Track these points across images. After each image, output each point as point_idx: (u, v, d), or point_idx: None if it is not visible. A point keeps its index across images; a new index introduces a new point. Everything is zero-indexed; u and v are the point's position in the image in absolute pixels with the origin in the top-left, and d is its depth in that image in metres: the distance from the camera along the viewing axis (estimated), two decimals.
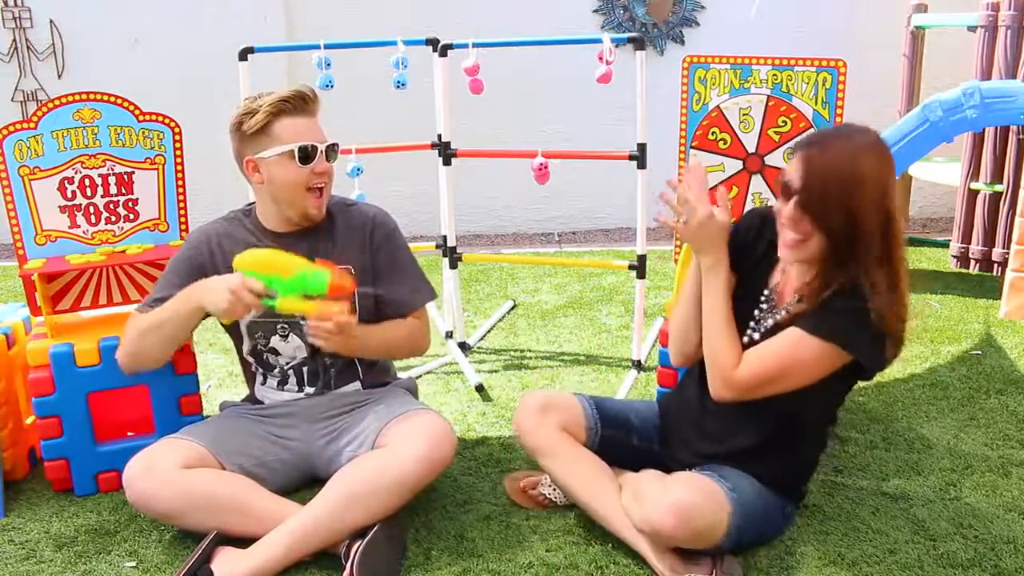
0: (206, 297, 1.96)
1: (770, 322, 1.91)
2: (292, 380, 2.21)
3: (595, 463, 2.07)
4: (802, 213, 1.76)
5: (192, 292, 2.00)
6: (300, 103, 2.07)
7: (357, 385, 2.24)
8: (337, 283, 1.89)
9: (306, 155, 2.05)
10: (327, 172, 2.10)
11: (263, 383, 2.24)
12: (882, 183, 1.77)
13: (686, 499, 1.79)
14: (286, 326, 2.16)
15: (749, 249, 1.97)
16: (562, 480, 2.07)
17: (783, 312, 1.90)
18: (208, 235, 2.16)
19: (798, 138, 2.43)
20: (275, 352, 2.19)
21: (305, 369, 2.20)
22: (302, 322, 2.14)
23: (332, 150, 2.12)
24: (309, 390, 2.21)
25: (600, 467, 2.06)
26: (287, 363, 2.19)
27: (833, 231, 1.76)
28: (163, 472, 1.95)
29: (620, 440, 2.13)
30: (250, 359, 2.23)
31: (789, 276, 1.94)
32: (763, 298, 1.96)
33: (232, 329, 2.20)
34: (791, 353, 1.82)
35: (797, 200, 1.76)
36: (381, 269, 2.18)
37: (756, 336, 1.92)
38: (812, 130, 1.90)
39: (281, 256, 1.95)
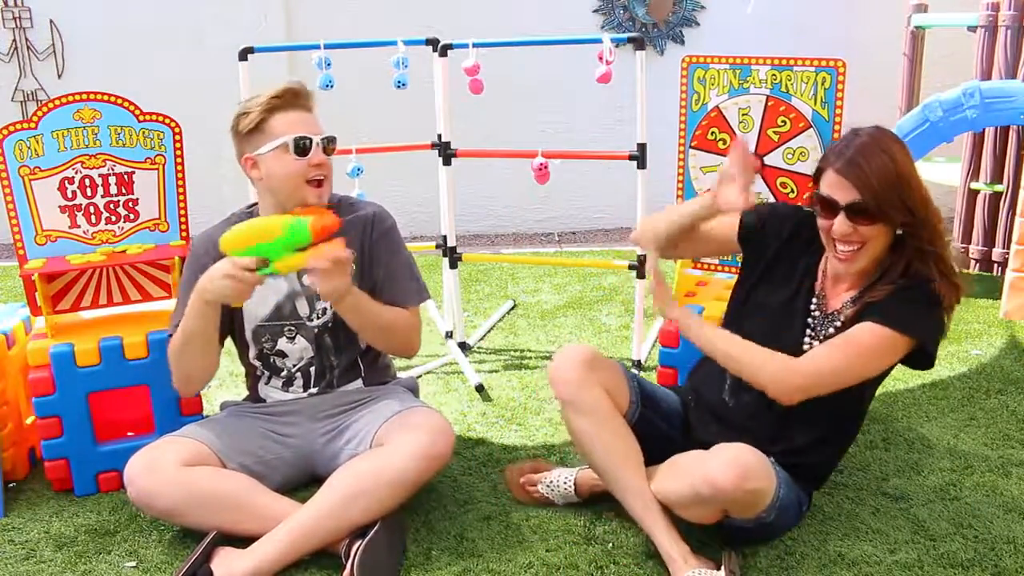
0: (209, 291, 1.95)
1: (831, 330, 1.92)
2: (298, 381, 2.21)
3: (630, 435, 2.00)
4: (853, 225, 1.81)
5: (197, 294, 2.00)
6: (291, 97, 2.08)
7: (359, 383, 2.24)
8: (319, 224, 1.88)
9: (301, 147, 2.04)
10: (324, 164, 2.09)
11: (267, 383, 2.24)
12: (916, 172, 1.86)
13: (746, 457, 1.78)
14: (292, 328, 2.16)
15: (784, 243, 2.01)
16: (591, 441, 1.97)
17: (840, 320, 1.92)
18: (212, 239, 2.14)
19: (796, 137, 2.43)
20: (282, 355, 2.19)
21: (312, 369, 2.20)
22: (308, 323, 2.15)
23: (329, 142, 2.11)
24: (313, 390, 2.21)
25: (633, 441, 2.00)
26: (294, 365, 2.20)
27: (892, 232, 1.84)
28: (164, 470, 1.95)
29: (654, 423, 2.07)
30: (256, 363, 2.22)
31: (830, 278, 1.97)
32: (812, 306, 1.98)
33: (238, 336, 2.21)
34: (861, 347, 1.83)
35: (846, 213, 1.81)
36: (376, 265, 2.17)
37: (816, 344, 1.93)
38: (833, 144, 1.93)
39: (259, 223, 1.94)
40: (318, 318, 2.17)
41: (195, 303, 2.00)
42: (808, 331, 1.96)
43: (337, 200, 2.21)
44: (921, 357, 1.88)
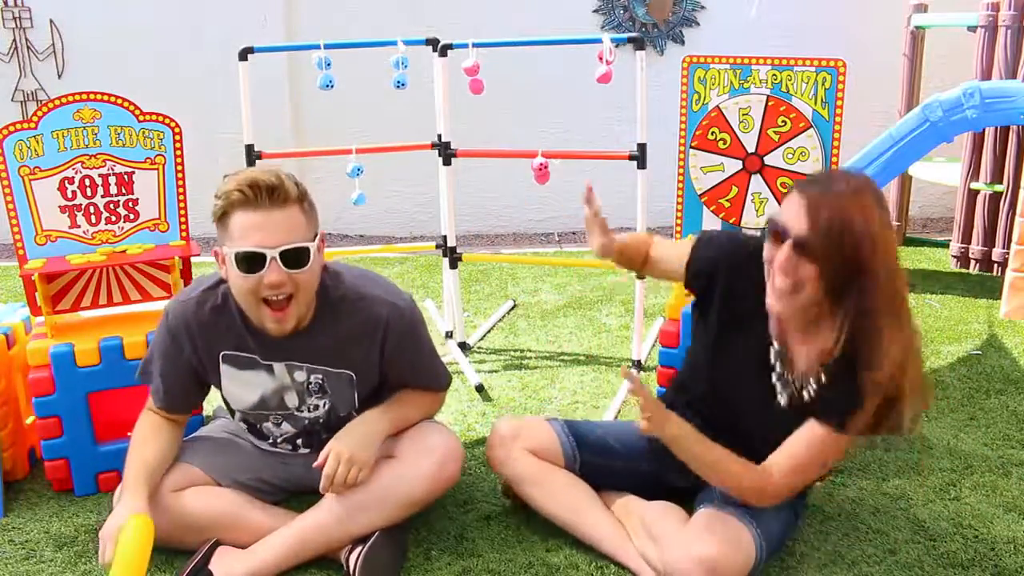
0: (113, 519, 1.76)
1: (806, 397, 1.77)
2: (285, 446, 2.11)
3: (574, 483, 2.02)
4: (798, 258, 1.64)
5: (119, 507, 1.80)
6: (255, 192, 1.69)
7: None
8: None
9: (247, 262, 1.71)
10: (283, 284, 1.72)
11: (252, 433, 2.13)
12: (889, 233, 1.67)
13: (714, 554, 1.73)
14: (279, 416, 2.03)
15: (736, 282, 1.85)
16: (543, 506, 2.02)
17: (812, 388, 1.76)
18: (187, 325, 1.92)
19: (796, 137, 2.43)
20: (267, 431, 2.08)
21: (299, 440, 2.09)
22: (297, 414, 2.01)
23: (294, 255, 1.71)
24: (304, 451, 2.10)
25: (579, 486, 2.02)
26: (280, 436, 2.09)
27: (835, 279, 1.63)
28: (156, 498, 1.88)
29: (602, 465, 2.06)
30: (242, 425, 2.10)
31: (795, 336, 1.79)
32: (772, 357, 1.83)
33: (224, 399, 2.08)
34: (820, 451, 1.75)
35: (793, 244, 1.63)
36: (394, 373, 2.01)
37: (783, 401, 1.81)
38: (808, 175, 1.75)
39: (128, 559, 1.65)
40: (309, 412, 2.01)
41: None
42: (778, 384, 1.83)
43: (340, 296, 1.91)
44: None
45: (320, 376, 1.96)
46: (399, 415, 2.03)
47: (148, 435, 1.97)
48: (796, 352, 1.80)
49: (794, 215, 1.64)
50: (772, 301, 1.73)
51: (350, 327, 1.91)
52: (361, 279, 1.97)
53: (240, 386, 1.97)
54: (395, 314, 1.92)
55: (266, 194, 1.70)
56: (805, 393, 1.78)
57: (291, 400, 2.00)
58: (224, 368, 1.96)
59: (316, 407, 2.00)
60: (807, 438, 1.76)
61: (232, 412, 2.10)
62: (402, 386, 2.06)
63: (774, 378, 1.83)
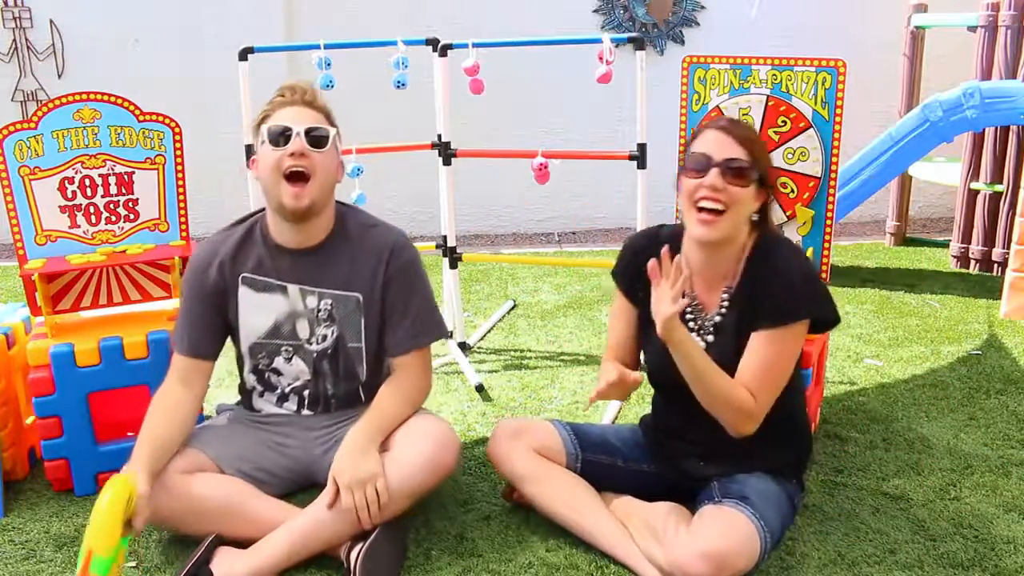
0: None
1: (711, 330, 1.96)
2: (292, 400, 2.17)
3: (575, 481, 2.04)
4: (725, 183, 1.85)
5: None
6: (288, 93, 2.02)
7: (359, 409, 2.15)
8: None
9: (276, 136, 1.95)
10: (305, 155, 1.94)
11: (260, 396, 2.20)
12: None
13: (719, 547, 1.74)
14: (290, 348, 2.12)
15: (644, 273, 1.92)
16: (544, 504, 2.03)
17: (717, 319, 1.96)
18: (214, 250, 2.09)
19: (796, 137, 2.43)
20: (277, 372, 2.15)
21: (307, 393, 2.16)
22: (307, 346, 2.11)
23: (316, 135, 1.97)
24: (308, 412, 2.17)
25: (581, 485, 2.04)
26: (288, 384, 2.16)
27: (752, 205, 1.90)
28: (164, 477, 1.92)
29: (604, 463, 2.09)
30: (251, 377, 2.18)
31: (698, 279, 1.98)
32: (688, 311, 1.98)
33: (236, 347, 2.17)
34: (777, 354, 1.88)
35: (721, 169, 1.84)
36: (389, 301, 2.08)
37: (709, 339, 1.96)
38: (710, 120, 2.08)
39: (102, 523, 1.71)
40: (318, 343, 2.10)
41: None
42: (693, 334, 1.94)
43: (343, 212, 2.12)
44: (822, 323, 1.94)
45: (329, 301, 2.08)
46: (383, 416, 2.04)
47: (163, 408, 2.03)
48: (701, 291, 1.98)
49: (714, 146, 1.87)
50: (703, 230, 1.88)
51: (361, 248, 2.08)
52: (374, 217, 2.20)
53: (255, 310, 2.08)
54: (402, 241, 2.11)
55: (300, 95, 2.01)
56: (712, 327, 1.95)
57: (302, 329, 2.10)
58: (242, 291, 2.08)
59: (324, 337, 2.09)
60: (755, 349, 1.89)
61: (242, 364, 2.17)
62: (397, 341, 2.08)
63: (691, 327, 1.97)
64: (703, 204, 1.86)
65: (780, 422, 1.95)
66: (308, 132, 1.96)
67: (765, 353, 1.88)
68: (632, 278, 2.03)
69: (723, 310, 1.95)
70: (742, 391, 1.87)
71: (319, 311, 2.09)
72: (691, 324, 1.98)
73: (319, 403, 2.16)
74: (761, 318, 1.88)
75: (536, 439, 2.08)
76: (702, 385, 1.88)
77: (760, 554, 1.79)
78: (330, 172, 2.03)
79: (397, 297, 2.08)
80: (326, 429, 2.17)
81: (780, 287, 1.88)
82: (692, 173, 1.88)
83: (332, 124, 2.05)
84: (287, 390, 2.16)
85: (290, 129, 1.95)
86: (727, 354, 1.92)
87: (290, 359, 2.12)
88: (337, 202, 2.12)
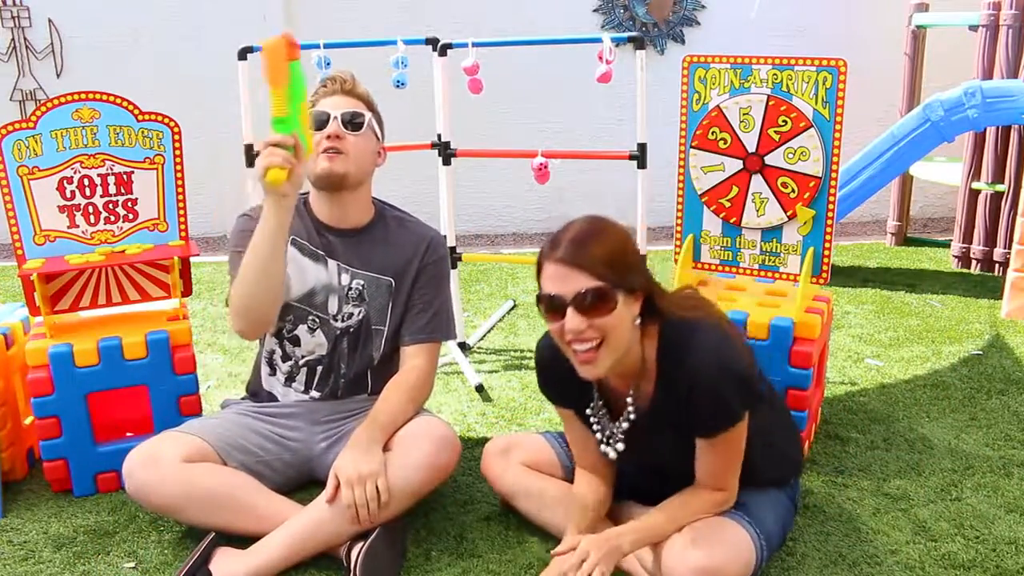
0: (260, 188, 1.94)
1: (625, 425, 1.84)
2: (301, 377, 2.20)
3: (566, 493, 1.99)
4: (585, 319, 1.64)
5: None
6: (330, 83, 2.21)
7: (365, 396, 2.24)
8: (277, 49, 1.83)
9: (317, 121, 2.12)
10: (339, 137, 2.12)
11: (271, 374, 2.24)
12: (632, 240, 1.76)
13: (713, 563, 1.70)
14: (316, 320, 2.17)
15: (571, 386, 1.85)
16: (537, 518, 2.02)
17: (631, 416, 1.82)
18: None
19: (797, 137, 2.42)
20: (296, 342, 2.19)
21: (319, 368, 2.20)
22: (333, 322, 2.18)
23: (352, 119, 2.15)
24: (315, 394, 2.21)
25: (572, 496, 1.99)
26: (303, 356, 2.20)
27: (635, 311, 1.71)
28: (165, 464, 1.94)
29: None
30: (272, 341, 2.22)
31: (612, 381, 1.84)
32: (595, 420, 1.88)
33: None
34: (725, 451, 1.77)
35: (575, 307, 1.64)
36: (417, 291, 2.20)
37: (620, 447, 1.85)
38: (548, 237, 1.78)
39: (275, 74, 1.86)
40: (343, 321, 2.18)
41: (264, 213, 1.96)
42: (603, 440, 1.88)
43: (381, 207, 2.27)
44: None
45: (362, 282, 2.19)
46: (387, 413, 2.07)
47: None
48: (615, 394, 1.84)
49: (559, 284, 1.66)
50: (587, 370, 1.70)
51: (399, 237, 2.22)
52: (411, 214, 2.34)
53: (299, 271, 2.16)
54: (438, 239, 2.26)
55: (339, 84, 2.19)
56: (626, 427, 1.83)
57: (332, 304, 2.19)
58: (291, 251, 2.15)
59: (351, 315, 2.19)
60: (703, 454, 1.78)
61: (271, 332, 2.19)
62: (415, 329, 2.19)
63: (599, 439, 1.87)
64: (575, 347, 1.68)
65: (763, 457, 1.87)
66: (344, 117, 2.13)
67: (714, 456, 1.78)
68: (558, 388, 1.93)
69: (631, 415, 1.83)
70: (706, 497, 1.79)
71: (350, 289, 2.18)
72: (599, 436, 1.89)
73: (327, 383, 2.20)
74: (696, 429, 1.75)
75: (527, 454, 2.08)
76: (673, 528, 1.78)
77: (756, 565, 1.77)
78: (365, 152, 2.18)
79: (425, 289, 2.21)
80: (329, 423, 2.18)
81: (705, 397, 1.69)
82: (551, 317, 1.70)
83: (371, 109, 2.23)
84: (300, 362, 2.20)
85: (327, 114, 2.12)
86: (645, 451, 1.84)
87: (314, 331, 2.19)
88: (375, 199, 2.27)
